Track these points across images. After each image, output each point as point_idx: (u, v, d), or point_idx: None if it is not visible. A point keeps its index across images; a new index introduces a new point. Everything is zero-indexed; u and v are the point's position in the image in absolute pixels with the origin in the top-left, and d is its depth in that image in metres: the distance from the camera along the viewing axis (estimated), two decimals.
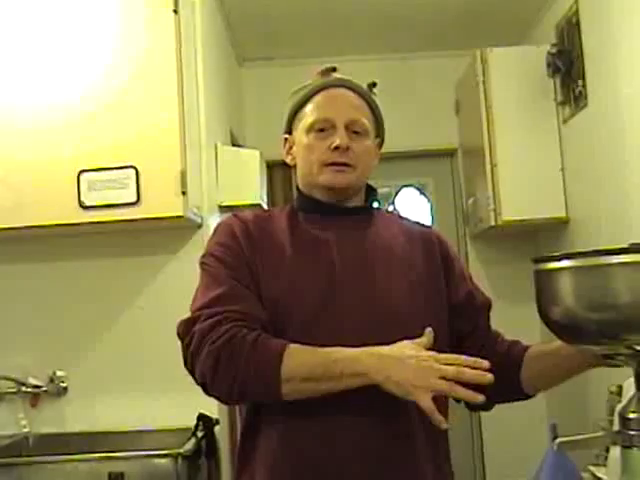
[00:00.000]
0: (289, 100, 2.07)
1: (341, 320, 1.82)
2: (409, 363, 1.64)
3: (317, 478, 1.77)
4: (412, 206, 5.37)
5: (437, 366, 1.63)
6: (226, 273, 1.86)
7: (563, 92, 4.25)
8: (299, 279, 1.87)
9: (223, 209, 3.84)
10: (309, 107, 2.01)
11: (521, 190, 4.29)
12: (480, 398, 1.61)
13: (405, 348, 1.68)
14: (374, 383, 1.65)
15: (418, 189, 5.43)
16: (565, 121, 4.25)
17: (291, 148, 2.06)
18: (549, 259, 1.45)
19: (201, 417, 3.16)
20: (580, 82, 3.95)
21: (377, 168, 2.07)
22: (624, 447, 1.45)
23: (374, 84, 2.06)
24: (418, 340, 1.72)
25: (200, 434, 3.13)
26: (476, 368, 1.62)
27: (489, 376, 1.62)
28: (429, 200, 5.39)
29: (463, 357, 1.66)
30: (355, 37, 4.94)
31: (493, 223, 4.30)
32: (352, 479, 1.76)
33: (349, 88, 2.02)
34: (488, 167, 4.31)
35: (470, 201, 4.78)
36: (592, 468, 2.56)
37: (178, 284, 3.30)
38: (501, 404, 1.95)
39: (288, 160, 2.08)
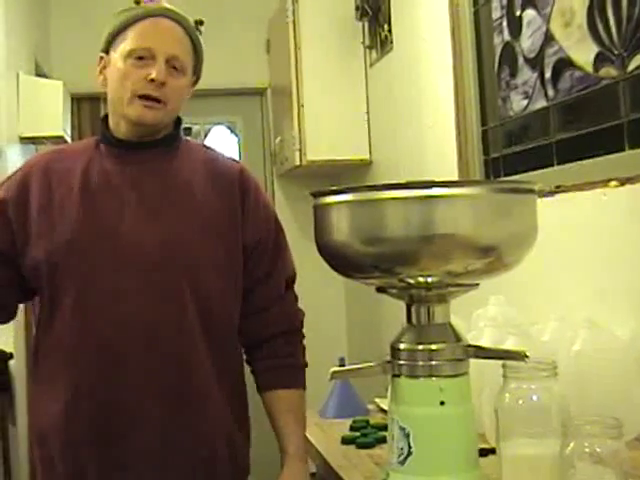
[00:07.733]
0: (113, 19, 1.95)
1: (121, 279, 1.84)
2: None
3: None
4: (222, 144, 5.35)
5: None
6: None
7: (370, 36, 4.31)
8: (81, 231, 1.85)
9: (24, 140, 3.74)
10: (131, 32, 1.91)
11: (327, 131, 4.35)
12: None
13: None
14: None
15: (228, 128, 5.42)
16: (371, 65, 4.31)
17: (105, 68, 1.96)
18: (325, 193, 1.46)
19: None
20: (386, 27, 4.02)
21: (187, 105, 2.04)
22: (394, 376, 1.50)
23: (201, 22, 2.02)
24: None
25: None
26: None
27: None
28: (239, 139, 5.39)
29: None
30: None
31: (298, 162, 4.35)
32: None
33: (177, 21, 1.95)
34: (295, 107, 4.34)
35: (277, 140, 4.81)
36: (377, 400, 2.64)
37: None
38: None
39: (100, 81, 1.97)
